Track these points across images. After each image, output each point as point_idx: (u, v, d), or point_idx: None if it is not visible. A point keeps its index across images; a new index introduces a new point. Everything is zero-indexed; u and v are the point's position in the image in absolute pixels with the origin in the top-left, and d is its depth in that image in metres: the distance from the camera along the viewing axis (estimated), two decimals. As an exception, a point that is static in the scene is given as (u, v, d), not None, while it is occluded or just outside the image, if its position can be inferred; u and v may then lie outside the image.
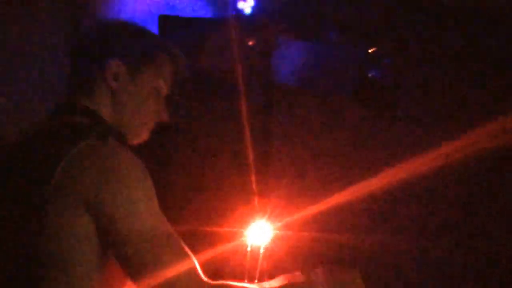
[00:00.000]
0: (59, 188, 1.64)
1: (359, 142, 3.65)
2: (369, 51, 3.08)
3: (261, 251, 2.52)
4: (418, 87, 3.44)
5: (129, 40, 1.86)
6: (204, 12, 3.52)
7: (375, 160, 3.53)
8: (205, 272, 1.88)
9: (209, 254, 2.15)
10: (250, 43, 2.97)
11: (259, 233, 2.59)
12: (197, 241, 2.14)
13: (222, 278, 2.00)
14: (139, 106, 1.90)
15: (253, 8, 3.16)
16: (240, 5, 3.18)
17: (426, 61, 3.46)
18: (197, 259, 1.86)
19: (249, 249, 2.52)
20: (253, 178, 3.19)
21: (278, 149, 3.54)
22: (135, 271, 1.68)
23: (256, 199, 3.16)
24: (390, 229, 3.85)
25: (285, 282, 2.04)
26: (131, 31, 1.90)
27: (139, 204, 1.68)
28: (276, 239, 2.66)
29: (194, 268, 1.74)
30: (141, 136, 1.95)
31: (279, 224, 2.76)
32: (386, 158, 3.38)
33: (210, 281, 1.81)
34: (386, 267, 3.86)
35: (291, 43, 3.07)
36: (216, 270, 2.07)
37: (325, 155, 3.76)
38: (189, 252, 1.75)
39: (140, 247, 1.66)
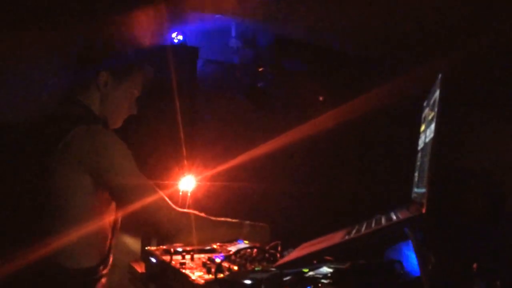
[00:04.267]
0: (64, 154, 1.94)
1: (253, 122, 4.35)
2: (259, 69, 3.92)
3: (189, 195, 2.99)
4: (289, 94, 4.29)
5: (116, 59, 2.17)
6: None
7: (264, 133, 4.14)
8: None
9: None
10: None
11: (187, 183, 3.05)
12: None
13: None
14: (118, 104, 2.21)
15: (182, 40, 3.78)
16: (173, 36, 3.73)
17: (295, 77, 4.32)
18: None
19: (180, 193, 2.97)
20: (183, 147, 3.51)
21: (201, 128, 4.07)
22: (122, 201, 2.06)
23: (185, 161, 3.49)
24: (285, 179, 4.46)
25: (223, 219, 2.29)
26: (118, 53, 2.20)
27: (124, 166, 2.04)
28: (199, 188, 3.14)
29: (165, 200, 2.09)
30: (118, 124, 2.28)
31: (201, 176, 3.26)
32: (269, 133, 4.07)
33: (178, 209, 2.14)
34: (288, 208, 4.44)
35: (209, 64, 3.87)
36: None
37: (232, 130, 4.34)
38: (160, 192, 2.09)
39: (128, 192, 2.03)
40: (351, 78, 4.33)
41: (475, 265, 1.36)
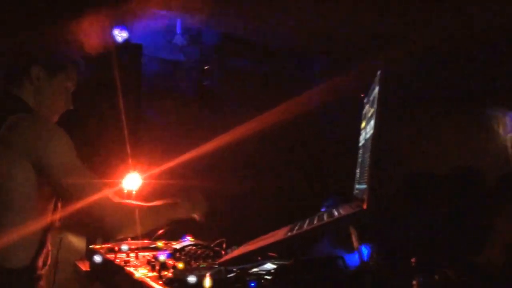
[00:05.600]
0: (3, 143, 1.91)
1: (198, 120, 4.27)
2: (205, 68, 3.85)
3: (133, 193, 2.93)
4: (235, 92, 4.27)
5: (49, 54, 2.13)
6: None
7: (210, 131, 4.03)
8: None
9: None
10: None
11: (132, 181, 3.00)
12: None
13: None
14: (53, 98, 2.14)
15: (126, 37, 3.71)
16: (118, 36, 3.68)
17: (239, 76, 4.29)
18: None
19: (125, 192, 2.91)
20: (128, 145, 3.48)
21: (147, 126, 4.04)
22: (68, 199, 1.98)
23: (130, 159, 3.45)
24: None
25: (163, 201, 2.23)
26: (52, 48, 2.17)
27: (66, 157, 1.96)
28: (144, 186, 3.07)
29: (107, 196, 2.01)
30: (54, 118, 2.18)
31: (146, 174, 3.18)
32: (214, 131, 3.97)
33: (121, 202, 2.07)
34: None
35: (154, 61, 3.81)
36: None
37: (178, 128, 4.36)
38: (104, 186, 2.01)
39: (70, 186, 1.94)
40: (294, 76, 4.36)
41: (413, 260, 1.38)
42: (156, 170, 3.36)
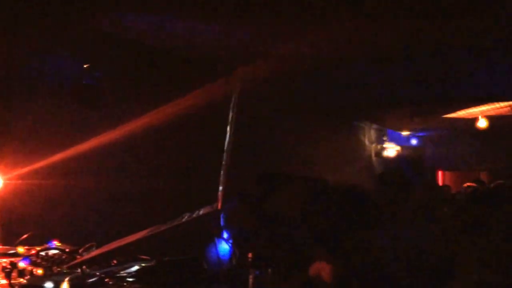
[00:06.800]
0: None
1: (77, 119, 3.99)
2: (85, 66, 3.73)
3: None
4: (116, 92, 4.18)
5: None
6: None
7: (86, 130, 3.78)
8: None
9: None
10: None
11: None
12: None
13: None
14: None
15: None
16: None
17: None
18: None
19: None
20: None
21: (16, 124, 3.82)
22: None
23: None
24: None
25: None
26: None
27: None
28: (7, 187, 2.96)
29: None
30: None
31: (10, 175, 3.08)
32: (91, 131, 3.73)
33: None
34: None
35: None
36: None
37: (52, 127, 4.13)
38: None
39: None
40: (177, 79, 4.36)
41: (250, 254, 1.47)
42: (23, 170, 3.22)
